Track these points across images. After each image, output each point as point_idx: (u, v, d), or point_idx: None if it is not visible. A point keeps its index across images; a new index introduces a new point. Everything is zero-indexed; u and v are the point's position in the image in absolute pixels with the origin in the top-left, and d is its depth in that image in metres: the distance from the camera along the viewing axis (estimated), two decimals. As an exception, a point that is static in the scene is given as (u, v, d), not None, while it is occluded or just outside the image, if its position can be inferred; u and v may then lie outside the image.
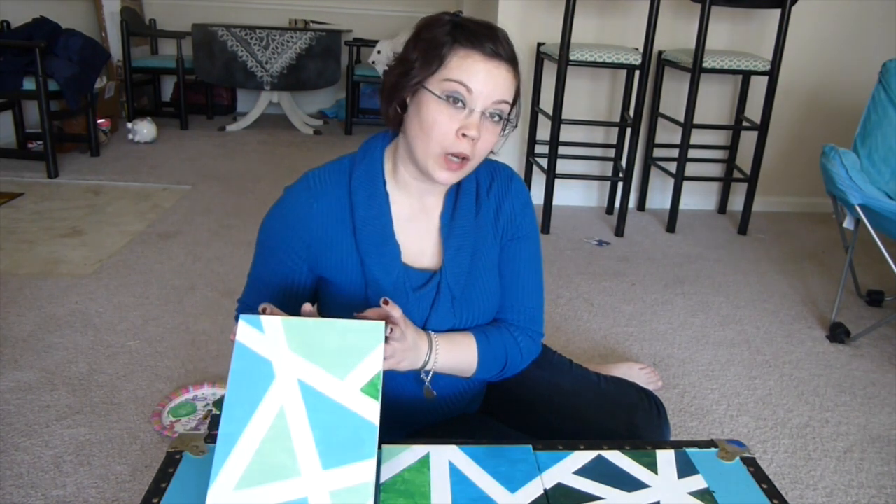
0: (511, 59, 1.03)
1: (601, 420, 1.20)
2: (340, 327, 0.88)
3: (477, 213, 1.16)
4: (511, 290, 1.19)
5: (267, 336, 0.87)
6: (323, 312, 1.19)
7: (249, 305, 1.20)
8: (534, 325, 1.21)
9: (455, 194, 1.15)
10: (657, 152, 3.44)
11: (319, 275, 1.14)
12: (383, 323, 0.89)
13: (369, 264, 1.10)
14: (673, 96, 3.35)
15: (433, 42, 1.02)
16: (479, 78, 1.00)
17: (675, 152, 3.23)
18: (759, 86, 3.24)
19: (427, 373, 1.08)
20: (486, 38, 1.01)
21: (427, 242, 1.15)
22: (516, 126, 1.11)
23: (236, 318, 1.18)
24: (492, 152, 1.10)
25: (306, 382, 0.85)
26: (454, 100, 1.01)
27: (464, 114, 1.01)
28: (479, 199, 1.16)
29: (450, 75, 1.00)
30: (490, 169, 1.19)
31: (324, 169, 1.13)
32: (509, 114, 1.07)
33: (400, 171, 1.12)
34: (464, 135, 1.01)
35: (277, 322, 0.87)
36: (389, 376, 1.11)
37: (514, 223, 1.18)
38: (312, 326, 0.88)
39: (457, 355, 1.10)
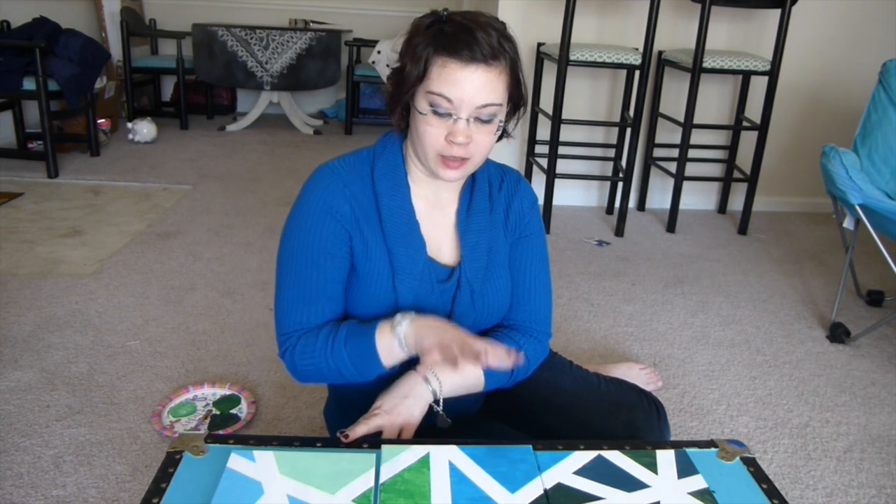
0: (492, 57, 1.00)
1: (601, 421, 1.20)
2: (334, 457, 0.92)
3: (490, 211, 1.18)
4: (518, 289, 1.21)
5: (258, 464, 0.90)
6: (348, 304, 1.16)
7: (300, 329, 1.09)
8: (540, 326, 1.21)
9: (470, 191, 1.17)
10: (657, 152, 3.44)
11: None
12: (374, 455, 0.93)
13: (397, 253, 1.10)
14: (673, 96, 3.35)
15: (416, 51, 1.02)
16: (457, 87, 1.00)
17: (675, 152, 3.23)
18: (759, 86, 3.24)
19: (438, 402, 1.09)
20: (461, 43, 0.99)
21: (444, 237, 1.16)
22: (518, 121, 1.12)
23: (282, 355, 1.10)
24: (508, 135, 1.12)
25: (296, 497, 0.85)
26: (438, 111, 1.02)
27: (450, 122, 1.02)
28: (491, 196, 1.19)
29: (431, 87, 1.01)
30: (500, 171, 1.22)
31: (343, 159, 1.14)
32: (517, 104, 1.09)
33: (412, 167, 1.14)
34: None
35: (269, 454, 0.92)
36: (390, 380, 1.11)
37: (522, 222, 1.20)
38: (303, 457, 0.92)
39: (461, 376, 1.11)
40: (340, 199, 1.09)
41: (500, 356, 0.93)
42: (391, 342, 1.03)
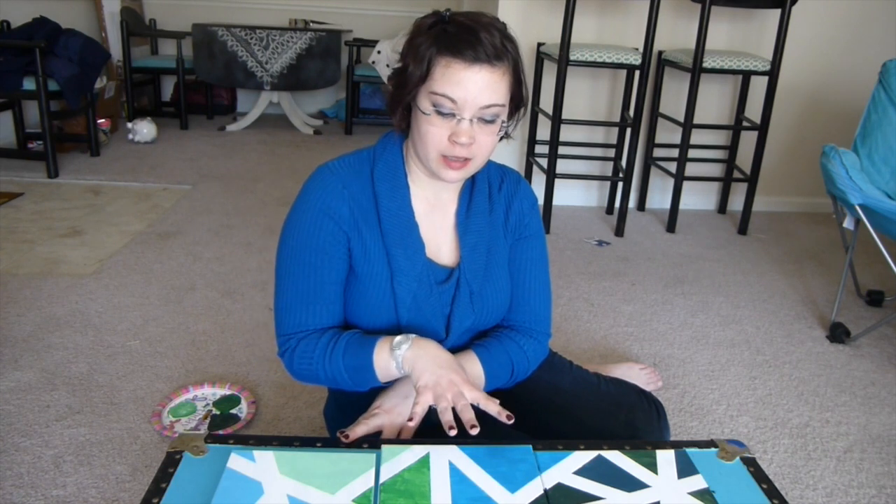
0: (496, 58, 1.01)
1: (601, 421, 1.20)
2: (334, 457, 0.92)
3: (490, 211, 1.17)
4: (518, 289, 1.21)
5: (258, 464, 0.90)
6: (346, 305, 1.17)
7: (299, 331, 1.10)
8: (540, 326, 1.21)
9: (469, 192, 1.17)
10: (657, 152, 3.44)
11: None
12: (374, 455, 0.93)
13: (395, 255, 1.10)
14: (673, 96, 3.35)
15: (419, 51, 1.02)
16: (461, 87, 1.00)
17: (675, 152, 3.23)
18: (759, 86, 3.24)
19: None
20: (465, 44, 0.99)
21: (443, 238, 1.17)
22: (521, 118, 1.12)
23: (281, 355, 1.11)
24: (509, 137, 1.12)
25: (296, 497, 0.85)
26: (442, 111, 1.01)
27: (453, 122, 1.02)
28: (491, 197, 1.19)
29: (434, 87, 1.01)
30: (500, 171, 1.22)
31: (343, 160, 1.13)
32: (517, 106, 1.09)
33: (413, 168, 1.14)
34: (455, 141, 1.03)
35: (269, 454, 0.92)
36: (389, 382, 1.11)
37: (522, 223, 1.21)
38: (303, 457, 0.92)
39: None
40: (339, 200, 1.09)
41: (492, 412, 0.97)
42: (389, 362, 1.04)
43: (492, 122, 1.04)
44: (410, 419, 0.97)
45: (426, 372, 1.00)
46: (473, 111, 1.01)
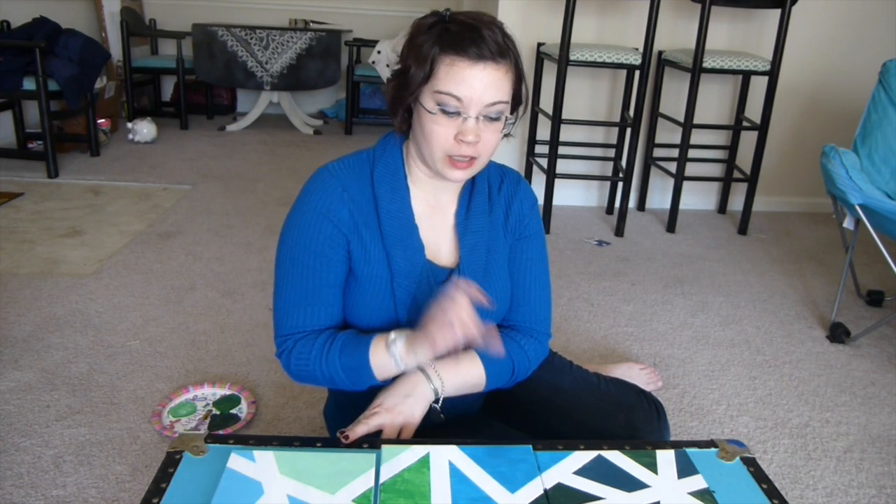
0: (499, 55, 1.01)
1: (601, 421, 1.20)
2: (334, 457, 0.92)
3: (490, 212, 1.17)
4: (519, 290, 1.21)
5: (258, 464, 0.90)
6: (346, 306, 1.18)
7: (296, 332, 1.10)
8: (540, 326, 1.22)
9: (469, 193, 1.17)
10: (657, 152, 3.44)
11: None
12: (374, 455, 0.94)
13: (395, 256, 1.10)
14: (673, 96, 3.35)
15: (421, 51, 1.02)
16: (466, 85, 1.00)
17: (675, 152, 3.23)
18: (759, 86, 3.24)
19: (438, 399, 1.10)
20: (469, 41, 1.00)
21: (443, 239, 1.17)
22: (521, 116, 1.12)
23: (279, 356, 1.12)
24: (509, 135, 1.12)
25: (296, 497, 0.85)
26: (447, 110, 1.01)
27: (459, 121, 1.02)
28: (490, 198, 1.19)
29: (439, 87, 1.01)
30: (500, 171, 1.22)
31: (342, 161, 1.14)
32: (514, 103, 1.09)
33: (413, 169, 1.14)
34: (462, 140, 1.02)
35: (269, 454, 0.92)
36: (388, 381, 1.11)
37: (522, 223, 1.21)
38: (303, 457, 0.92)
39: (462, 376, 1.12)
40: (339, 203, 1.09)
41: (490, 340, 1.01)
42: (386, 360, 1.04)
43: (497, 119, 1.04)
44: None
45: (424, 342, 1.02)
46: (479, 109, 1.02)
